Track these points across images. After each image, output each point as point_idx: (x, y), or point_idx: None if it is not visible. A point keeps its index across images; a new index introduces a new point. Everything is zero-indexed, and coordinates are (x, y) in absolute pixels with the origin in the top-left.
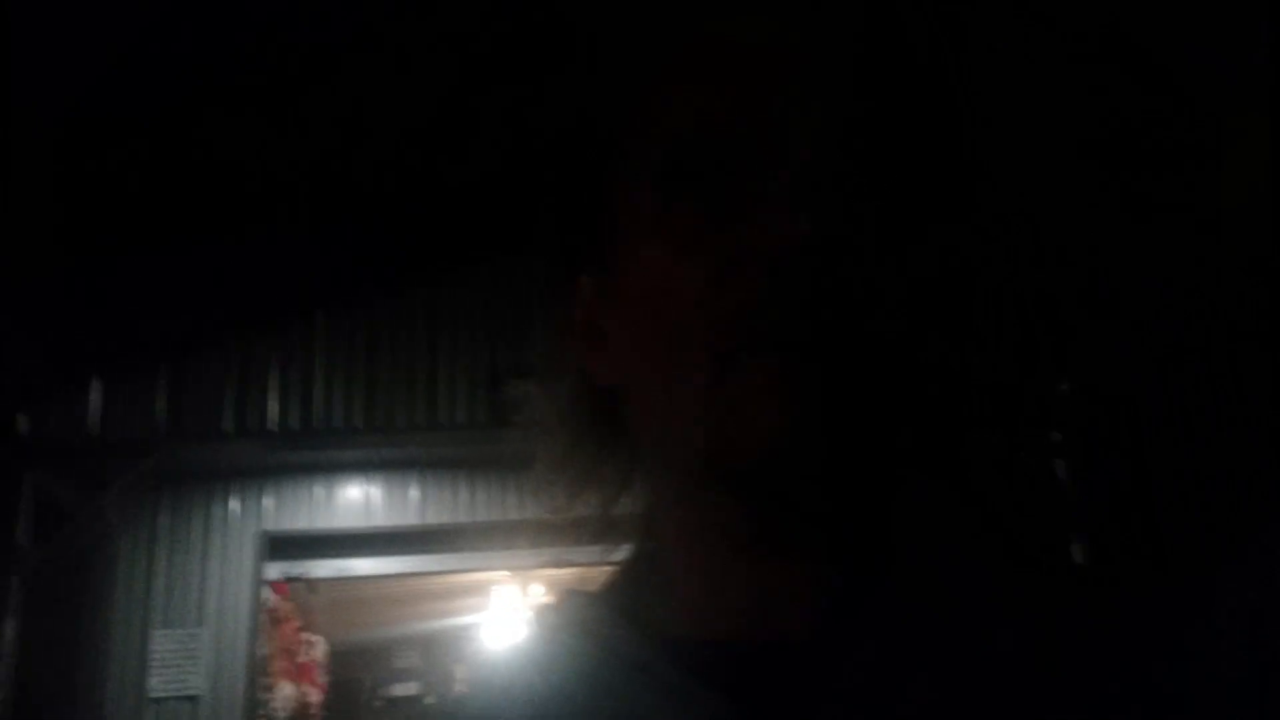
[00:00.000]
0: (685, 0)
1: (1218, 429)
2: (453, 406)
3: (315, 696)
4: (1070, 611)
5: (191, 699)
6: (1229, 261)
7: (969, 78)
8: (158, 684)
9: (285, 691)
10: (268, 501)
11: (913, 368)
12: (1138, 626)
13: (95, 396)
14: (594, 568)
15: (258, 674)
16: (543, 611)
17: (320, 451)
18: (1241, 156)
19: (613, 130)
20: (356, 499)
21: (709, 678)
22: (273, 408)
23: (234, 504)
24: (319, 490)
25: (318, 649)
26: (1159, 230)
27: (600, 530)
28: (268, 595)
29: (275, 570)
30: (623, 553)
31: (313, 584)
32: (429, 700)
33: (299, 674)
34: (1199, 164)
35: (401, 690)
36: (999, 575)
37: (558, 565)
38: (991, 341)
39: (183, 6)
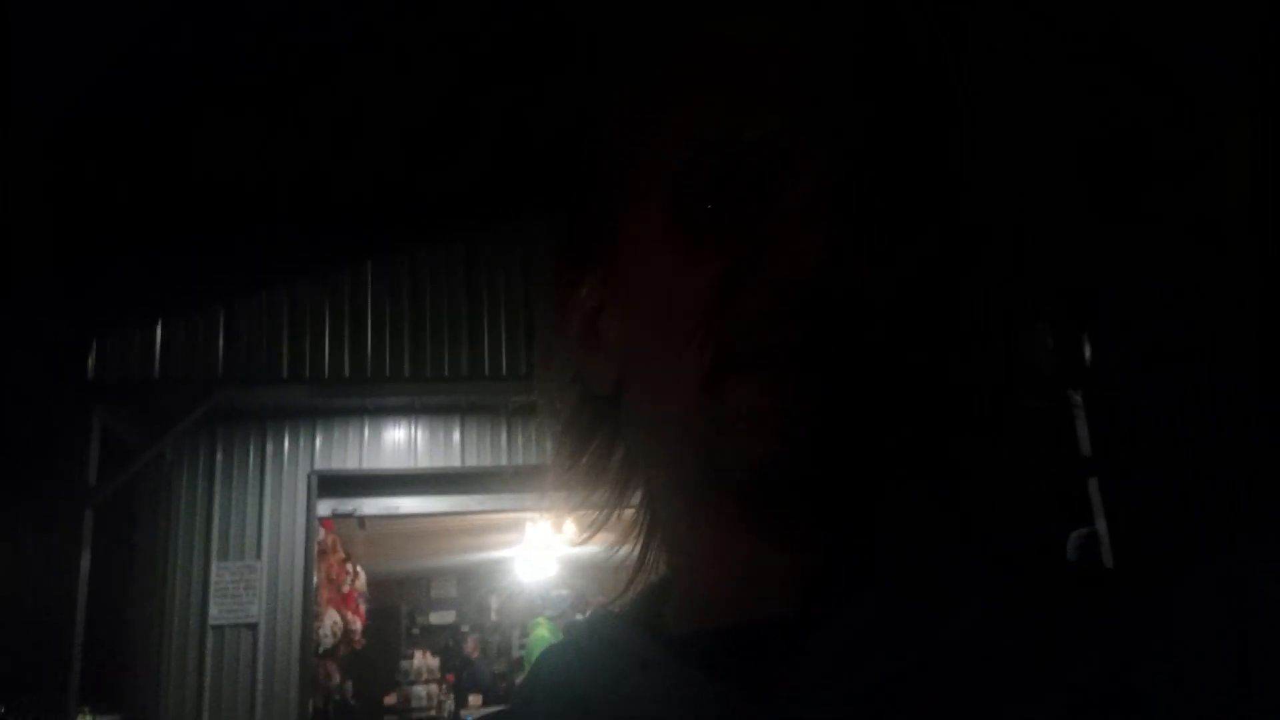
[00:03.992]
0: (685, 1)
1: (1204, 432)
2: (497, 356)
3: (357, 624)
4: (1053, 611)
5: (250, 626)
6: (1221, 265)
7: (969, 78)
8: (218, 612)
9: (331, 619)
10: (318, 442)
11: (905, 374)
12: (1120, 628)
13: (157, 340)
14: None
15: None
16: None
17: (367, 396)
18: (1235, 160)
19: (615, 131)
20: (401, 441)
21: (708, 666)
22: (324, 353)
23: (286, 444)
24: (367, 432)
25: (360, 579)
26: (1150, 234)
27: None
28: (317, 529)
29: (325, 507)
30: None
31: (361, 520)
32: (464, 628)
33: (343, 603)
34: (1193, 168)
35: (438, 619)
36: (984, 574)
37: (588, 509)
38: (979, 346)
39: (183, 6)
